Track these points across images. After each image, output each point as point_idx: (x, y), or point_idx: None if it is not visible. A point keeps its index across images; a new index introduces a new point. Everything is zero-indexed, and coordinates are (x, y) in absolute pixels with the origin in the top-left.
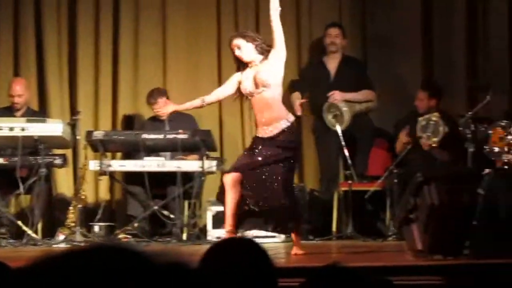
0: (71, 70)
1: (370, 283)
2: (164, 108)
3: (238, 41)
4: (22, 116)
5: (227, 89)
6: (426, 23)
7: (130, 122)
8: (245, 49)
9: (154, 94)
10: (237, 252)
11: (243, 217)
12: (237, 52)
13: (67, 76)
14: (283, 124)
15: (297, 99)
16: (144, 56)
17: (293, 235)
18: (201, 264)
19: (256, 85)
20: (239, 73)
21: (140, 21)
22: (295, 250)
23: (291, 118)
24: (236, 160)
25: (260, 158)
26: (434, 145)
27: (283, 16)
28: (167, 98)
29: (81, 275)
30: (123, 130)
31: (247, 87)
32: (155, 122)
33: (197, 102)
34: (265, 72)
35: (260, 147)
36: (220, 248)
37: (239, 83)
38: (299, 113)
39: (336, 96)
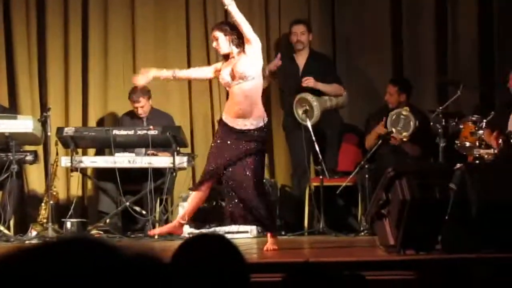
0: (41, 65)
1: (343, 278)
2: (141, 78)
3: (216, 33)
4: None
5: (201, 72)
6: (395, 20)
7: (100, 117)
8: (221, 41)
9: (138, 93)
10: (208, 248)
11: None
12: (214, 44)
13: (36, 72)
14: (260, 123)
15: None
16: (114, 50)
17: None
18: (173, 260)
19: (233, 77)
20: (220, 62)
21: (109, 15)
22: (268, 246)
23: (266, 118)
24: (209, 161)
25: (229, 157)
26: (405, 139)
27: (252, 13)
28: (149, 97)
29: (52, 268)
30: (94, 126)
31: (225, 77)
32: (134, 118)
33: (168, 73)
34: (242, 64)
35: (229, 141)
36: (191, 244)
37: (216, 71)
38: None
39: (309, 81)
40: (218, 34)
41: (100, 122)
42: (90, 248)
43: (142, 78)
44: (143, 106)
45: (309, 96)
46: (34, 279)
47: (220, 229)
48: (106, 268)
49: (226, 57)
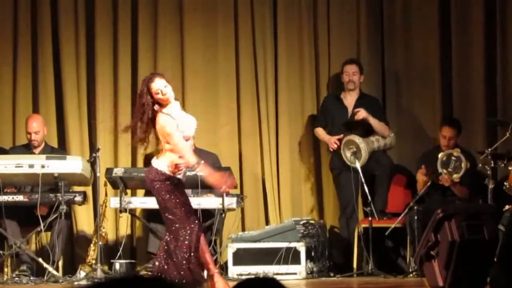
0: (90, 107)
1: None
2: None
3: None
4: (41, 153)
5: None
6: (444, 59)
7: (149, 158)
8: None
9: None
10: None
11: None
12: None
13: (86, 112)
14: None
15: (324, 133)
16: None
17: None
18: None
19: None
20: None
21: (159, 59)
22: None
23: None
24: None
25: None
26: (456, 180)
27: (301, 53)
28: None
29: None
30: (143, 167)
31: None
32: None
33: None
34: None
35: None
36: (244, 286)
37: None
38: (334, 147)
39: (362, 112)
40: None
41: (149, 163)
42: (152, 286)
43: None
44: None
45: (356, 138)
46: None
47: (269, 271)
48: None
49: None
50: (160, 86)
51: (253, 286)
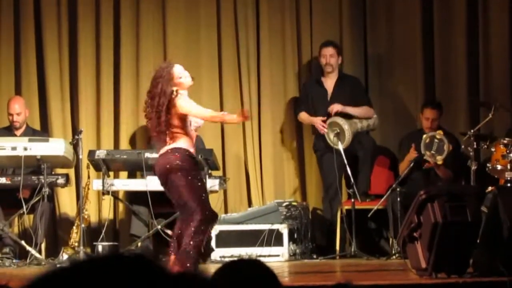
0: (73, 89)
1: None
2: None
3: None
4: (22, 135)
5: None
6: (426, 41)
7: (132, 140)
8: None
9: None
10: (246, 273)
11: None
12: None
13: (68, 94)
14: None
15: (308, 116)
16: (145, 74)
17: None
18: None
19: None
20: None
21: (141, 39)
22: None
23: None
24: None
25: None
26: (439, 163)
27: (283, 34)
28: None
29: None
30: (126, 149)
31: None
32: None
33: None
34: None
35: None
36: (229, 268)
37: None
38: (324, 132)
39: (336, 107)
40: None
41: (132, 145)
42: (134, 263)
43: None
44: None
45: (340, 120)
46: None
47: (252, 252)
48: (151, 282)
49: None
50: (182, 70)
51: (238, 268)
